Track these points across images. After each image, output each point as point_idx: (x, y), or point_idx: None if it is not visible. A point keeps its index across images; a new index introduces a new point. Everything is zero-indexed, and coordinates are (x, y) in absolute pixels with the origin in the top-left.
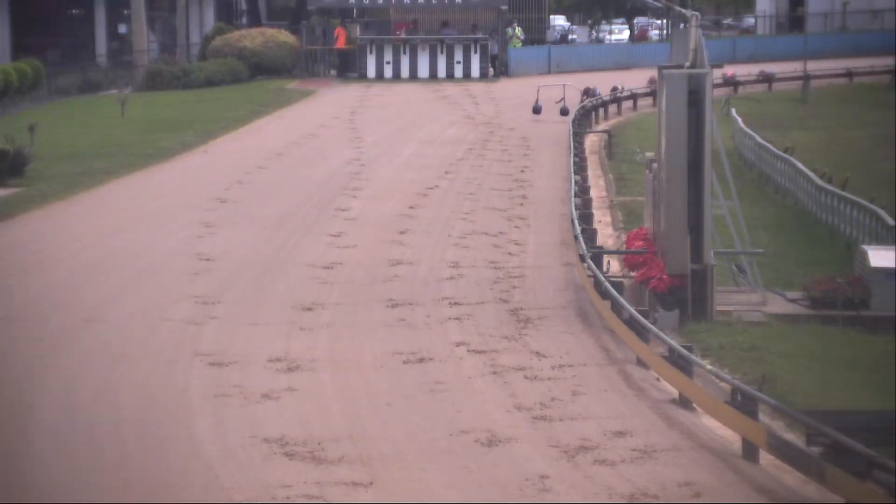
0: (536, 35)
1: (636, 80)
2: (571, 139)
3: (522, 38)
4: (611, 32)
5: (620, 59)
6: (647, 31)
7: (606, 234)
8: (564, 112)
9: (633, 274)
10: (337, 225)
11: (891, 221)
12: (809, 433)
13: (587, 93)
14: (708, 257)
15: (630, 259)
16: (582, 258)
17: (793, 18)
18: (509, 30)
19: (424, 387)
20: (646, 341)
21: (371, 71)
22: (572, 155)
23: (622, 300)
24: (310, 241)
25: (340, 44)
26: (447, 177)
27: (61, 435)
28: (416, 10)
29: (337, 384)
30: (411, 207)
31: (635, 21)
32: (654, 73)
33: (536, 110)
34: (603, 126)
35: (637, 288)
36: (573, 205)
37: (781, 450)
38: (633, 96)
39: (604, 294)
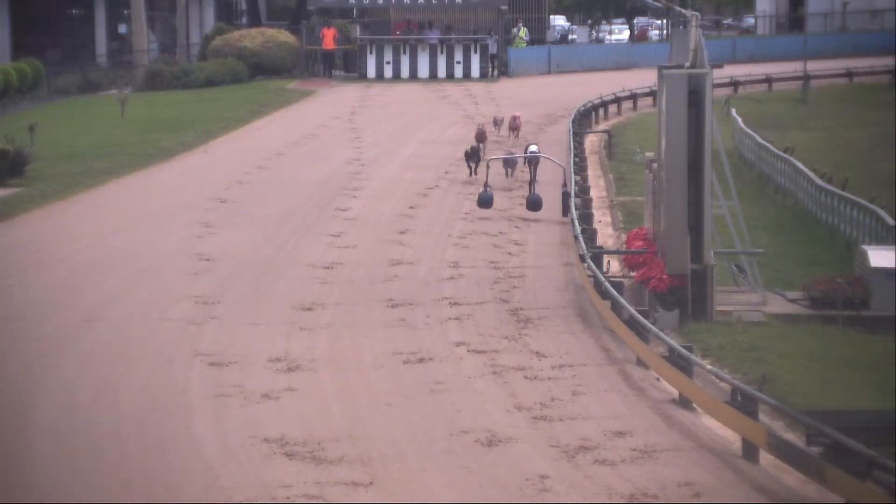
0: (536, 35)
1: (636, 80)
2: (571, 139)
3: (527, 38)
4: (611, 32)
5: (620, 59)
6: (647, 31)
7: (606, 234)
8: (535, 204)
9: (633, 274)
10: (337, 225)
11: (891, 221)
12: (809, 433)
13: (508, 163)
14: (708, 257)
15: (630, 259)
16: (582, 258)
17: (793, 18)
18: (514, 30)
19: (424, 387)
20: (646, 341)
21: (371, 71)
22: (572, 155)
23: (622, 300)
24: (310, 241)
25: (327, 44)
26: (447, 177)
27: (61, 435)
28: (417, 10)
29: (337, 384)
30: (411, 207)
31: (635, 21)
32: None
33: (484, 201)
34: (603, 126)
35: (637, 288)
36: (573, 205)
37: (781, 450)
38: (634, 96)
39: (604, 294)
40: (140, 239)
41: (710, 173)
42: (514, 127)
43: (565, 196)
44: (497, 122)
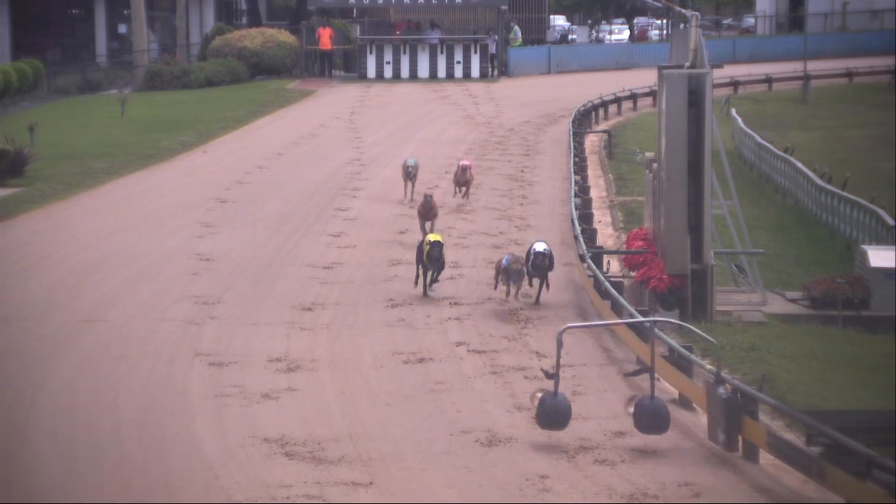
0: (536, 35)
1: (636, 80)
2: (571, 139)
3: (518, 37)
4: (611, 32)
5: (620, 59)
6: (647, 31)
7: (606, 234)
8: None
9: (633, 274)
10: (337, 225)
11: (891, 221)
12: (809, 433)
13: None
14: (708, 257)
15: (630, 259)
16: (582, 258)
17: (793, 18)
18: (510, 32)
19: (424, 387)
20: (646, 341)
21: (371, 71)
22: (572, 155)
23: (622, 300)
24: (310, 241)
25: (324, 44)
26: (447, 176)
27: (61, 435)
28: (417, 10)
29: (337, 384)
30: (411, 207)
31: (635, 21)
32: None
33: (555, 419)
34: (603, 126)
35: (637, 288)
36: (573, 205)
37: (781, 450)
38: (634, 96)
39: (604, 294)
40: (140, 239)
41: (710, 173)
42: (463, 182)
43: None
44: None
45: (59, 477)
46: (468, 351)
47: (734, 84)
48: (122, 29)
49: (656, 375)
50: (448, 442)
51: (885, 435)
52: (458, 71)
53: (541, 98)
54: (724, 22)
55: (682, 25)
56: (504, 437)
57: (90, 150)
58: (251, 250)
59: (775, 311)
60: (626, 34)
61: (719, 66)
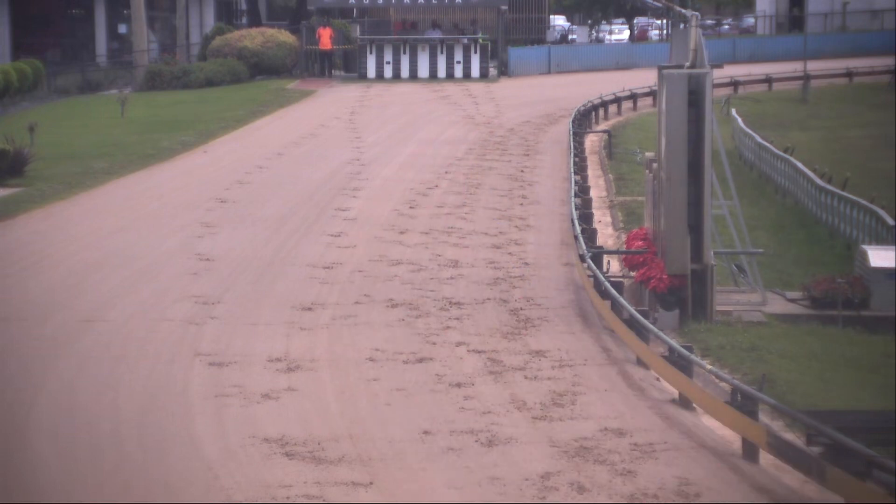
0: (536, 35)
1: (636, 80)
2: (571, 139)
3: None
4: (611, 32)
5: (620, 59)
6: (647, 31)
7: (606, 234)
8: None
9: (633, 274)
10: (337, 225)
11: (891, 221)
12: (809, 433)
13: None
14: (708, 257)
15: (630, 259)
16: (582, 258)
17: (793, 18)
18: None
19: (424, 386)
20: (646, 341)
21: (371, 71)
22: (572, 155)
23: (622, 300)
24: (310, 241)
25: (324, 44)
26: (447, 177)
27: (61, 435)
28: (417, 10)
29: (337, 384)
30: (411, 207)
31: (635, 21)
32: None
33: None
34: (603, 126)
35: (637, 288)
36: (573, 205)
37: (781, 450)
38: (634, 96)
39: (604, 294)
40: (140, 239)
41: (710, 173)
42: None
43: None
44: None
45: (59, 477)
46: (468, 351)
47: (734, 84)
48: (122, 29)
49: (656, 376)
50: (448, 442)
51: (885, 435)
52: (458, 71)
53: (541, 98)
54: (724, 22)
55: (682, 25)
56: (504, 437)
57: (90, 150)
58: (251, 250)
59: (775, 311)
60: (626, 34)
61: (719, 66)
